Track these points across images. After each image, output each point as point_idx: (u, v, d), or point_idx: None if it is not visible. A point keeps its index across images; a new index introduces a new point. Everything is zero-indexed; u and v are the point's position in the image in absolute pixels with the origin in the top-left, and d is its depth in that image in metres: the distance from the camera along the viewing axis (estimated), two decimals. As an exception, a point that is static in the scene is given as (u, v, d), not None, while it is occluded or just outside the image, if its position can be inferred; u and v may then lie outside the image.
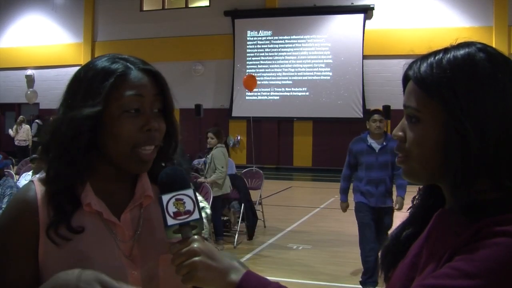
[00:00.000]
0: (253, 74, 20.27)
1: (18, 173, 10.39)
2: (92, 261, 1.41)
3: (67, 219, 1.42)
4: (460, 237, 1.10)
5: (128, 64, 1.48)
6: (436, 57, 1.19)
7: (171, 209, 1.28)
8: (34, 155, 8.72)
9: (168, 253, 1.47)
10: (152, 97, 1.48)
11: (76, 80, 1.49)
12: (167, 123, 1.54)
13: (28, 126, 21.45)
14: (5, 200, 6.00)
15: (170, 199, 1.29)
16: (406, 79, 1.27)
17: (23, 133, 21.20)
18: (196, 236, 1.28)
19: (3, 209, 1.53)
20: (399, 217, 1.42)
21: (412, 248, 1.28)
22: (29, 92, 23.51)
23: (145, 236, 1.52)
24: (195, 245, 1.25)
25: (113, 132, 1.43)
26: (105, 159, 1.48)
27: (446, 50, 1.21)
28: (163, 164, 1.61)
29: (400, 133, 1.24)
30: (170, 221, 1.27)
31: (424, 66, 1.19)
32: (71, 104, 1.45)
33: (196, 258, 1.23)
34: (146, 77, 1.48)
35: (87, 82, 1.45)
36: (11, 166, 12.22)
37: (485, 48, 1.19)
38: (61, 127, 1.43)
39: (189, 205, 1.29)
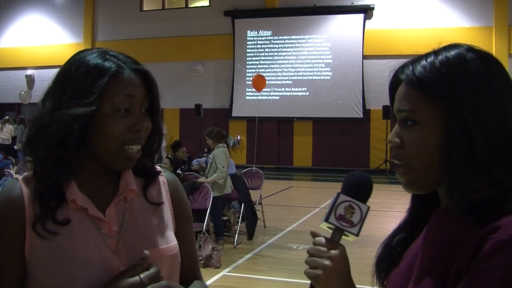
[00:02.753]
0: (253, 74, 20.31)
1: (18, 173, 10.39)
2: (79, 258, 1.42)
3: (53, 213, 1.43)
4: (458, 249, 1.09)
5: (120, 62, 1.48)
6: (428, 60, 1.21)
7: (340, 210, 1.30)
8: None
9: (152, 248, 1.49)
10: (142, 98, 1.49)
11: (66, 75, 1.48)
12: (153, 122, 1.55)
13: (11, 126, 22.23)
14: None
15: (345, 201, 1.31)
16: (395, 84, 1.28)
17: (6, 132, 22.07)
18: (343, 246, 1.30)
19: None
20: (398, 217, 1.42)
21: (411, 249, 1.28)
22: (23, 92, 23.51)
23: (130, 230, 1.52)
24: (335, 252, 1.28)
25: (103, 130, 1.44)
26: (92, 156, 1.49)
27: (436, 52, 1.22)
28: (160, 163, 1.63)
29: (397, 139, 1.23)
30: (331, 219, 1.30)
31: (418, 69, 1.20)
32: (61, 99, 1.44)
33: (329, 263, 1.26)
34: (138, 77, 1.50)
35: (79, 79, 1.44)
36: (11, 166, 12.21)
37: (472, 48, 1.21)
38: (51, 124, 1.42)
39: (355, 218, 1.31)
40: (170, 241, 1.59)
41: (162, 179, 1.67)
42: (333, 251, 1.27)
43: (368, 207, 1.32)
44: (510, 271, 0.99)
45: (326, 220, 1.30)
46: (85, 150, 1.47)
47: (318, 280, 1.27)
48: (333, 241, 1.30)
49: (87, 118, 1.40)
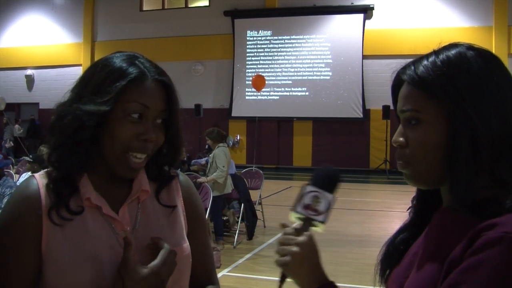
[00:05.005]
0: (252, 74, 20.32)
1: (18, 173, 10.39)
2: (92, 255, 1.44)
3: (66, 201, 1.45)
4: (457, 243, 1.10)
5: (145, 70, 1.48)
6: (429, 59, 1.22)
7: (306, 200, 1.36)
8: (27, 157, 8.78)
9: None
10: (158, 111, 1.49)
11: (91, 71, 1.50)
12: (171, 135, 1.56)
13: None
14: (5, 200, 6.01)
15: (312, 191, 1.36)
16: (397, 85, 1.29)
17: None
18: (310, 233, 1.34)
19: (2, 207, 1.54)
20: (398, 218, 1.43)
21: (412, 247, 1.30)
22: None
23: (142, 231, 1.53)
24: (304, 239, 1.31)
25: (112, 131, 1.44)
26: (102, 158, 1.50)
27: (436, 52, 1.24)
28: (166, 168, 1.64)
29: (401, 139, 1.25)
30: (298, 209, 1.35)
31: (420, 69, 1.22)
32: (81, 94, 1.46)
33: (298, 250, 1.29)
34: (158, 89, 1.50)
35: (100, 77, 1.46)
36: (10, 166, 12.21)
37: (472, 47, 1.23)
38: (67, 116, 1.44)
39: (322, 207, 1.35)
40: (182, 242, 1.60)
41: (175, 182, 1.68)
42: (300, 238, 1.31)
43: (334, 196, 1.36)
44: (498, 266, 1.00)
45: (294, 210, 1.35)
46: (97, 150, 1.48)
47: (287, 266, 1.30)
48: (302, 230, 1.34)
49: (99, 117, 1.42)
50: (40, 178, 1.50)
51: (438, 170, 1.20)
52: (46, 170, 1.53)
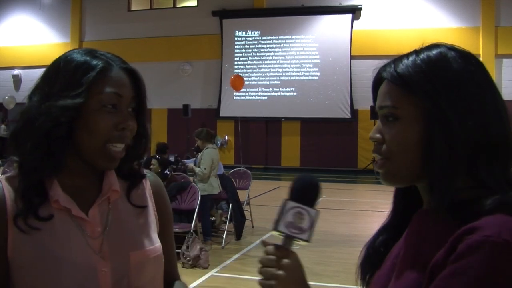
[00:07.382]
0: (240, 74, 20.28)
1: (4, 173, 10.31)
2: (62, 259, 1.41)
3: (35, 209, 1.41)
4: (436, 248, 1.09)
5: (109, 60, 1.49)
6: (410, 58, 1.22)
7: (288, 217, 1.26)
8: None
9: (137, 250, 1.50)
10: (129, 99, 1.49)
11: (54, 71, 1.49)
12: (139, 124, 1.54)
13: None
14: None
15: (294, 207, 1.27)
16: (378, 82, 1.29)
17: None
18: (295, 253, 1.26)
19: None
20: (379, 216, 1.42)
21: (393, 250, 1.28)
22: (7, 98, 23.32)
23: (114, 232, 1.51)
24: (287, 261, 1.24)
25: (89, 125, 1.43)
26: (76, 154, 1.47)
27: (417, 51, 1.24)
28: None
29: (378, 135, 1.24)
30: (281, 227, 1.25)
31: (399, 66, 1.22)
32: (49, 93, 1.44)
33: (282, 273, 1.23)
34: (126, 76, 1.50)
35: (68, 72, 1.45)
36: (-3, 166, 12.10)
37: (454, 47, 1.22)
38: (39, 117, 1.41)
39: (305, 224, 1.25)
40: (155, 242, 1.58)
41: (146, 181, 1.66)
42: (285, 260, 1.24)
43: (317, 212, 1.27)
44: (483, 270, 0.99)
45: (275, 229, 1.26)
46: (71, 147, 1.45)
47: None
48: (285, 249, 1.26)
49: (74, 111, 1.40)
50: (6, 183, 1.46)
51: (414, 168, 1.19)
52: (13, 174, 1.48)
